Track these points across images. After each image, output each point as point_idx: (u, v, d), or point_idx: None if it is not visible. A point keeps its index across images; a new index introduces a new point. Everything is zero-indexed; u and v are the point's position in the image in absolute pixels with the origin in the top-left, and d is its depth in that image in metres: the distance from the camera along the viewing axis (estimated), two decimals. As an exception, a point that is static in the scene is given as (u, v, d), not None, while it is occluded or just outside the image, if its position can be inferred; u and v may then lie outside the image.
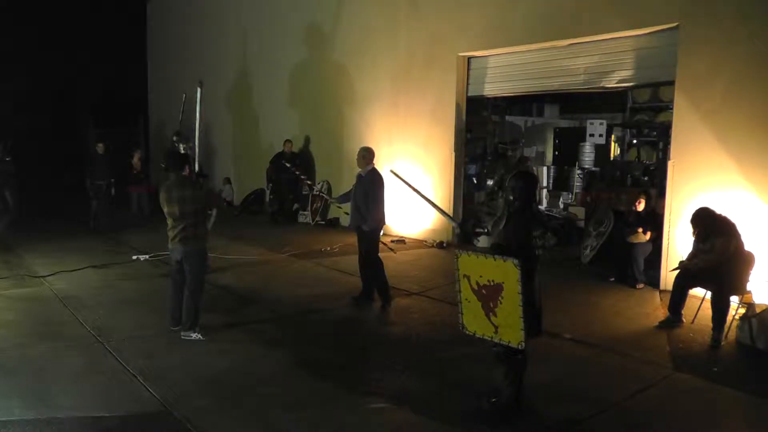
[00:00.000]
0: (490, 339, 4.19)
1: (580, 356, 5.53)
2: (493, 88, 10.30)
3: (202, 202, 5.83)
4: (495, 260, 4.02)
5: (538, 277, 4.23)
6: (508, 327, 4.02)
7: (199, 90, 6.32)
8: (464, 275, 4.25)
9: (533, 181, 4.49)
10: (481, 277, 4.12)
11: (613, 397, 4.62)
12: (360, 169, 6.99)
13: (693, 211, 6.07)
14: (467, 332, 4.36)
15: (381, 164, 11.61)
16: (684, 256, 6.40)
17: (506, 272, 3.94)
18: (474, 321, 4.27)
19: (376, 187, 6.83)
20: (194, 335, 5.74)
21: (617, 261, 7.94)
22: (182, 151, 7.84)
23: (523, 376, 4.25)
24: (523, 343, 3.99)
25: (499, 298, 4.01)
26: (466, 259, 4.26)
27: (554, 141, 13.64)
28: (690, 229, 6.10)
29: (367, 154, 6.95)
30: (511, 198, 4.28)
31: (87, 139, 19.46)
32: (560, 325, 6.21)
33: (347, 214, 7.34)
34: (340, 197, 7.52)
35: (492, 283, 4.05)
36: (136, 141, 19.05)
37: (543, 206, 12.31)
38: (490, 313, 4.12)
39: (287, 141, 12.92)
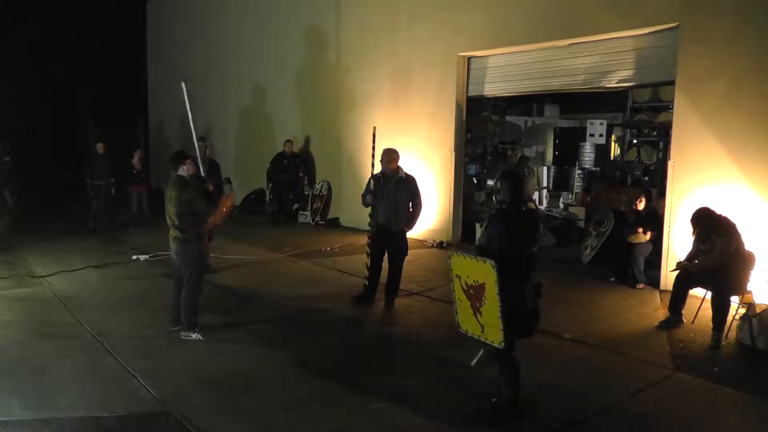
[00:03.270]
0: (478, 338, 4.23)
1: (580, 356, 5.53)
2: (493, 88, 10.30)
3: (191, 204, 5.72)
4: (477, 261, 4.07)
5: (532, 278, 4.20)
6: (491, 326, 4.06)
7: (184, 87, 6.34)
8: (456, 275, 4.29)
9: (519, 181, 4.45)
10: (468, 277, 4.18)
11: (613, 397, 4.62)
12: (388, 170, 6.83)
13: (693, 211, 6.07)
14: (461, 331, 4.39)
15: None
16: (683, 257, 6.40)
17: (486, 273, 3.99)
18: (466, 320, 4.31)
19: (419, 188, 6.89)
20: (194, 335, 5.74)
21: (617, 261, 7.94)
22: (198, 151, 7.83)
23: (519, 376, 4.24)
24: (503, 343, 4.01)
25: (483, 298, 4.07)
26: (456, 260, 4.30)
27: (554, 141, 13.65)
28: (690, 229, 6.10)
29: (397, 156, 6.88)
30: (499, 198, 4.28)
31: (87, 139, 19.44)
32: (560, 325, 6.21)
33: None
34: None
35: (477, 284, 4.11)
36: (137, 141, 19.04)
37: (543, 206, 12.33)
38: (477, 313, 4.17)
39: (287, 141, 12.92)
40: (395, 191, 6.79)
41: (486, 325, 4.11)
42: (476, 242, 4.48)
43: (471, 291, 4.17)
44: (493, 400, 4.30)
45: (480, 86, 10.35)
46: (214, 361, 5.28)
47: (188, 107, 6.28)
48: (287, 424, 4.20)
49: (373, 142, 7.52)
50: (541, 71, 9.37)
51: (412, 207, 6.85)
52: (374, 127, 7.81)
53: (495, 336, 4.05)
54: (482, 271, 4.02)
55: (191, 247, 5.77)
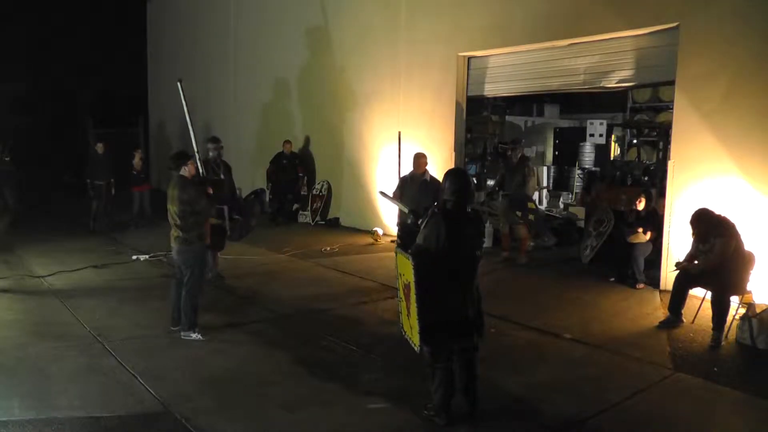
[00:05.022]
0: (409, 339, 4.14)
1: (580, 356, 5.53)
2: (493, 88, 10.29)
3: (193, 204, 5.72)
4: (407, 259, 3.99)
5: (476, 284, 4.13)
6: (414, 328, 3.97)
7: (180, 87, 6.34)
8: (400, 273, 4.21)
9: (466, 180, 4.29)
10: (403, 275, 4.12)
11: (613, 397, 4.62)
12: (416, 172, 7.64)
13: (693, 211, 6.07)
14: (402, 331, 4.30)
15: (380, 162, 11.63)
16: (683, 257, 6.40)
17: (409, 269, 3.91)
18: (404, 319, 4.23)
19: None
20: (194, 335, 5.75)
21: (617, 261, 7.93)
22: (210, 155, 7.91)
23: (452, 383, 4.13)
24: (420, 347, 3.92)
25: (411, 297, 3.98)
26: (399, 257, 4.22)
27: (554, 141, 13.65)
28: (690, 229, 6.10)
29: (424, 161, 7.68)
30: (444, 197, 4.17)
31: (87, 139, 19.44)
32: (560, 325, 6.22)
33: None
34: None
35: (408, 282, 4.02)
36: (137, 141, 19.05)
37: (543, 206, 12.33)
38: (408, 313, 4.10)
39: (287, 141, 12.92)
40: (419, 192, 7.29)
41: (412, 326, 4.01)
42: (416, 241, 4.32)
43: (405, 290, 4.10)
44: (428, 405, 4.22)
45: (480, 86, 10.35)
46: (214, 361, 5.28)
47: (185, 106, 6.29)
48: (287, 424, 4.20)
49: (399, 146, 8.11)
50: (541, 71, 9.37)
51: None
52: (399, 133, 8.40)
53: (415, 337, 3.96)
54: (409, 270, 3.93)
55: (192, 247, 5.77)
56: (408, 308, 4.08)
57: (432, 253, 4.00)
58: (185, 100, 6.33)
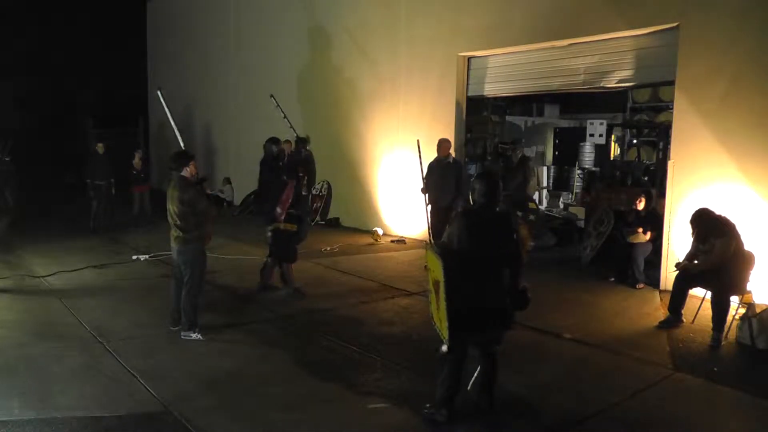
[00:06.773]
0: (439, 332, 4.21)
1: (580, 356, 5.53)
2: (493, 88, 10.30)
3: (193, 204, 5.71)
4: (436, 258, 4.11)
5: (509, 277, 4.17)
6: (443, 322, 4.06)
7: (160, 95, 6.33)
8: (430, 269, 4.32)
9: (495, 182, 4.36)
10: (433, 272, 4.21)
11: (613, 397, 4.62)
12: (441, 155, 8.56)
13: (693, 211, 6.07)
14: (432, 322, 4.37)
15: (380, 163, 11.64)
16: (683, 257, 6.40)
17: (440, 270, 4.01)
18: (434, 311, 4.32)
19: (463, 170, 8.67)
20: (194, 335, 5.75)
21: (617, 261, 7.94)
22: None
23: (458, 380, 4.15)
24: (449, 341, 3.99)
25: (440, 292, 4.08)
26: (428, 254, 4.35)
27: (554, 141, 13.63)
28: (690, 229, 6.10)
29: (448, 145, 8.69)
30: (476, 199, 4.24)
31: (87, 139, 19.44)
32: (560, 325, 6.22)
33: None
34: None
35: (436, 279, 4.13)
36: (137, 141, 19.05)
37: (543, 206, 12.33)
38: (437, 307, 4.19)
39: (286, 141, 12.88)
40: (444, 172, 8.34)
41: (441, 320, 4.12)
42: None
43: (435, 285, 4.20)
44: (427, 405, 4.23)
45: (480, 86, 10.35)
46: (214, 361, 5.28)
47: (169, 113, 6.26)
48: (287, 424, 4.20)
49: (419, 153, 8.35)
50: (541, 71, 9.37)
51: (458, 185, 8.25)
52: (418, 141, 8.58)
53: (445, 332, 4.05)
54: (438, 268, 4.06)
55: (186, 246, 5.77)
56: (437, 303, 4.17)
57: (454, 250, 4.10)
58: (168, 107, 6.32)
